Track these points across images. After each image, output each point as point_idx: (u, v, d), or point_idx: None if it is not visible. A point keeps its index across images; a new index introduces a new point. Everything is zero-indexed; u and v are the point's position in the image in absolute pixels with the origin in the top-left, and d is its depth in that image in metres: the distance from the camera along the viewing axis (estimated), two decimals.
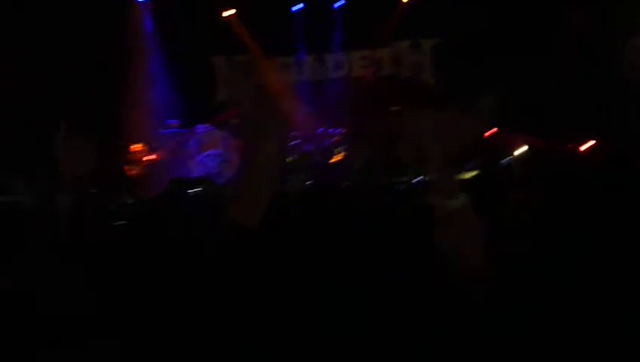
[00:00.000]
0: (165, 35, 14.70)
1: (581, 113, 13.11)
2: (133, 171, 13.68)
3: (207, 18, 14.68)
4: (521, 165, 12.86)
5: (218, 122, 15.18)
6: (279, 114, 14.94)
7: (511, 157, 14.01)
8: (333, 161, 14.78)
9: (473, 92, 14.55)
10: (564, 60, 13.47)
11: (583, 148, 13.33)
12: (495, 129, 14.49)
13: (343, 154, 14.78)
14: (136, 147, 13.80)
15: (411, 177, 13.33)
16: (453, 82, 15.23)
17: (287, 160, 14.67)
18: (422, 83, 15.86)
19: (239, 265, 2.88)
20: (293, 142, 14.93)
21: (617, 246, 2.81)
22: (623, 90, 13.24)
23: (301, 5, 15.41)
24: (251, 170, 3.16)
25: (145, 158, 13.89)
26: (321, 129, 14.97)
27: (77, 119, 12.67)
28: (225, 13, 15.18)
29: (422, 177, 13.07)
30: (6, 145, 12.03)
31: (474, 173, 12.61)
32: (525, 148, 13.98)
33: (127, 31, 14.54)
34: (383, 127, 15.25)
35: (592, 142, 12.39)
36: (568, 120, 13.13)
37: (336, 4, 15.37)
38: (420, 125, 15.39)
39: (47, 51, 13.16)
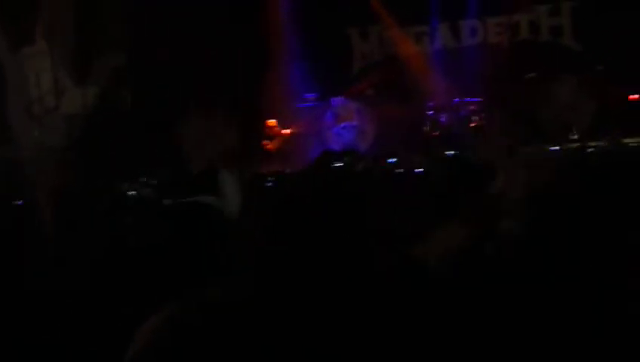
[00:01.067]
0: (300, 8, 14.84)
1: None
2: (270, 145, 14.01)
3: None
4: None
5: (353, 94, 15.29)
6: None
7: None
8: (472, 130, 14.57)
9: (617, 55, 14.00)
10: None
11: None
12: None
13: (480, 123, 14.55)
14: (272, 122, 14.11)
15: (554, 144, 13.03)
16: (595, 45, 14.67)
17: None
18: (562, 47, 15.28)
19: None
20: (430, 113, 14.83)
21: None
22: None
23: None
24: None
25: (282, 132, 14.18)
26: (457, 99, 14.75)
27: (213, 97, 13.18)
28: None
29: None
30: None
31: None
32: None
33: (264, 6, 14.82)
34: (524, 95, 14.89)
35: None
36: None
37: None
38: (564, 92, 15.02)
39: (184, 29, 13.59)
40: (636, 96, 14.15)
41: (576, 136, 13.81)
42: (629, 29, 13.63)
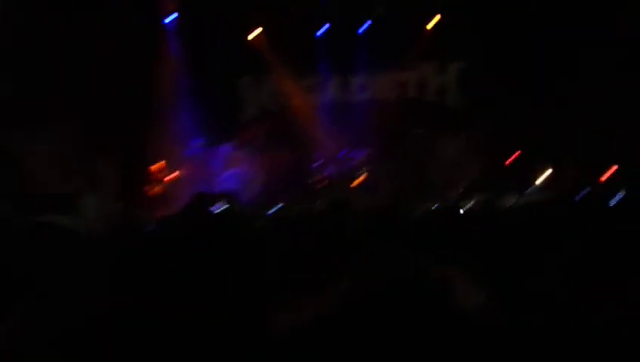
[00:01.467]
0: (192, 55, 14.77)
1: (604, 139, 12.91)
2: (154, 190, 13.75)
3: (234, 38, 14.77)
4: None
5: (242, 142, 15.27)
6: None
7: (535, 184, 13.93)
8: (355, 183, 14.74)
9: (500, 114, 14.50)
10: (590, 86, 13.26)
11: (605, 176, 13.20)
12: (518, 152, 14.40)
13: (365, 175, 14.74)
14: (158, 166, 13.89)
15: (436, 203, 13.26)
16: (479, 105, 15.17)
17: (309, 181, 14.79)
18: (448, 106, 15.73)
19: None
20: (316, 164, 14.94)
21: None
22: None
23: (327, 26, 15.45)
24: None
25: (167, 177, 13.97)
26: (344, 151, 14.93)
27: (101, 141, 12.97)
28: (251, 35, 15.28)
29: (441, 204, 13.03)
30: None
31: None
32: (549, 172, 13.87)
33: (155, 52, 14.66)
34: (411, 149, 15.19)
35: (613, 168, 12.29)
36: (590, 145, 12.95)
37: (362, 28, 15.36)
38: (449, 149, 15.42)
39: (73, 74, 13.32)
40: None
41: (461, 191, 14.13)
42: (513, 90, 14.15)
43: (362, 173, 14.77)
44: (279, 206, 11.82)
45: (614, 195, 5.33)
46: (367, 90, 15.82)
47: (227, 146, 15.00)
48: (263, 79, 15.99)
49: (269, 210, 12.06)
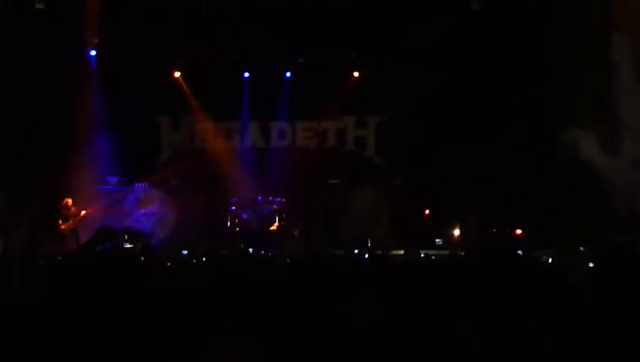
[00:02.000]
0: (112, 91, 14.59)
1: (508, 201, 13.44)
2: (65, 225, 13.45)
3: (154, 77, 14.68)
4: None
5: (157, 181, 15.13)
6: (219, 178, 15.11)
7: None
8: (271, 229, 14.78)
9: (415, 171, 14.87)
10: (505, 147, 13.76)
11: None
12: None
13: (278, 224, 14.81)
14: (69, 201, 13.60)
15: (349, 250, 13.40)
16: (395, 160, 15.51)
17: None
18: (365, 159, 16.01)
19: None
20: (232, 208, 14.92)
21: None
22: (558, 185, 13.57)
23: (247, 74, 15.56)
24: None
25: (79, 213, 13.68)
26: (260, 197, 14.97)
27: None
28: (174, 75, 15.24)
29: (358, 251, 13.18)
30: None
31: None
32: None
33: (75, 86, 14.44)
34: (325, 201, 15.34)
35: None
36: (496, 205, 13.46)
37: (287, 74, 15.55)
38: (362, 201, 15.64)
39: None
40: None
41: (369, 244, 14.32)
42: (429, 149, 14.54)
43: (276, 221, 14.83)
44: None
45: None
46: (287, 137, 15.94)
47: (142, 185, 14.82)
48: (181, 121, 15.91)
49: (180, 251, 12.02)
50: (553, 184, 13.58)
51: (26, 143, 13.54)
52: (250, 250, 13.04)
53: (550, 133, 13.82)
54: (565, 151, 13.40)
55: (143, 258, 5.52)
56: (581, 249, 10.11)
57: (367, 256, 12.90)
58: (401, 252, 13.17)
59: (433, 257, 10.58)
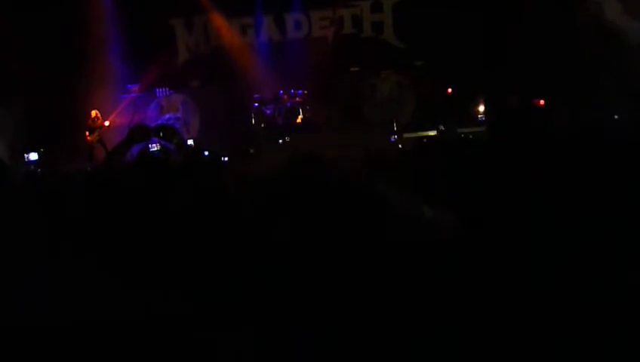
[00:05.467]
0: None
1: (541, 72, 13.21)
2: (92, 137, 13.55)
3: None
4: None
5: (177, 85, 15.08)
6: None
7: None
8: (296, 122, 14.75)
9: (435, 51, 14.60)
10: (529, 19, 13.45)
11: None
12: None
13: (303, 116, 14.77)
14: (94, 113, 13.64)
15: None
16: (415, 42, 15.22)
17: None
18: (384, 43, 15.74)
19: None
20: (255, 105, 14.87)
21: None
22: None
23: None
24: None
25: (104, 123, 13.75)
26: (282, 91, 14.87)
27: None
28: None
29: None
30: None
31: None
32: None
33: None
34: (348, 88, 15.23)
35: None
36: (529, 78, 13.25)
37: None
38: (385, 87, 15.52)
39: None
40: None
41: (395, 129, 14.31)
42: (447, 27, 14.21)
43: (300, 113, 14.78)
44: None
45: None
46: (302, 28, 15.67)
47: (163, 90, 14.78)
48: (194, 21, 15.67)
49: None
50: (578, 51, 13.31)
51: (42, 57, 13.45)
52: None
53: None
54: (589, 17, 13.09)
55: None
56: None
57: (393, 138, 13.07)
58: (431, 133, 13.20)
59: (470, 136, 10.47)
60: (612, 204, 2.68)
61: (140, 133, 11.17)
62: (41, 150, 13.10)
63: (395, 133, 13.83)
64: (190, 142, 13.15)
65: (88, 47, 14.07)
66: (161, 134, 12.02)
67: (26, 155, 12.94)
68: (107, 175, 4.56)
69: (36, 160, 12.89)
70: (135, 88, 14.80)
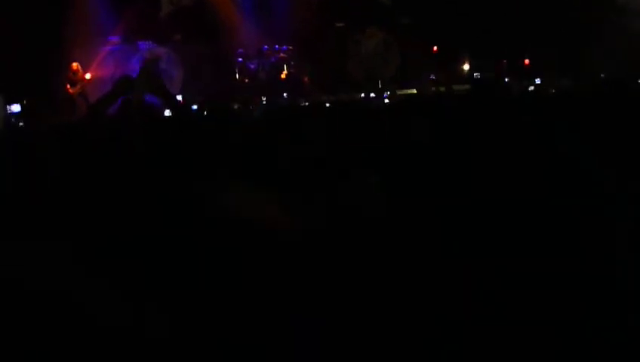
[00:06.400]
0: None
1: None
2: (74, 89, 13.41)
3: None
4: None
5: (160, 38, 14.87)
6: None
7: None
8: (280, 77, 14.66)
9: (421, 10, 14.50)
10: None
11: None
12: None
13: (287, 72, 14.68)
14: (75, 65, 13.48)
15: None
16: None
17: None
18: (371, 0, 15.58)
19: None
20: (239, 60, 14.75)
21: None
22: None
23: None
24: None
25: (84, 76, 13.60)
26: (266, 46, 14.74)
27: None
28: None
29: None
30: None
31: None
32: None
33: None
34: (332, 45, 15.13)
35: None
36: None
37: None
38: (370, 43, 15.41)
39: None
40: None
41: (380, 86, 14.29)
42: None
43: (285, 69, 14.69)
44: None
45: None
46: None
47: (146, 43, 14.58)
48: None
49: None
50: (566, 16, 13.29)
51: (23, 8, 13.22)
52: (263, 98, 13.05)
53: None
54: None
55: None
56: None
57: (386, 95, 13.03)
58: (414, 91, 13.17)
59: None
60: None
61: (125, 84, 10.97)
62: (24, 102, 12.91)
63: (377, 89, 13.83)
64: (179, 97, 13.05)
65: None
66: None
67: (8, 107, 12.77)
68: (90, 127, 4.50)
69: (19, 112, 12.73)
70: (116, 40, 14.58)
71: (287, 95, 13.57)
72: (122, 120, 4.37)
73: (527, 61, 14.09)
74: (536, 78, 12.77)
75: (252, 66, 14.68)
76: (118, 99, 4.76)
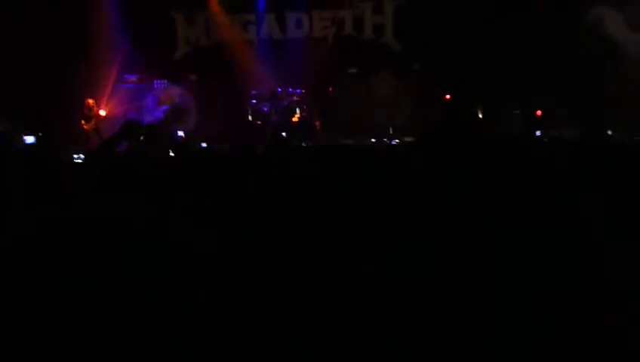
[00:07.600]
0: None
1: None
2: (88, 125, 13.56)
3: None
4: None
5: (175, 78, 15.08)
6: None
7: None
8: (292, 121, 14.77)
9: (433, 56, 14.62)
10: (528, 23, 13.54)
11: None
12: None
13: (299, 115, 14.80)
14: (91, 102, 13.67)
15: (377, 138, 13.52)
16: (413, 46, 15.25)
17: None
18: (383, 45, 15.76)
19: None
20: (252, 102, 14.89)
21: None
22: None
23: None
24: None
25: (100, 112, 13.76)
26: (280, 89, 14.90)
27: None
28: None
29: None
30: None
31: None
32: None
33: None
34: (345, 90, 15.25)
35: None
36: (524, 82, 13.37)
37: None
38: (381, 88, 15.52)
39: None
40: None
41: (391, 131, 14.36)
42: (448, 32, 14.25)
43: (297, 112, 14.81)
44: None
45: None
46: (303, 28, 15.68)
47: (161, 82, 14.79)
48: (196, 15, 15.67)
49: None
50: (577, 62, 13.40)
51: (41, 44, 13.45)
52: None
53: (575, 10, 13.56)
54: (590, 29, 13.15)
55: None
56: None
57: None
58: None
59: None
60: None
61: (131, 129, 11.15)
62: (39, 134, 13.05)
63: (394, 136, 13.94)
64: (180, 133, 13.21)
65: (88, 35, 14.07)
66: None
67: (23, 138, 12.91)
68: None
69: (33, 143, 12.86)
70: (132, 78, 14.79)
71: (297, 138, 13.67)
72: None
73: (539, 112, 14.17)
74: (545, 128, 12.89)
75: (265, 109, 14.81)
76: (123, 142, 4.81)
